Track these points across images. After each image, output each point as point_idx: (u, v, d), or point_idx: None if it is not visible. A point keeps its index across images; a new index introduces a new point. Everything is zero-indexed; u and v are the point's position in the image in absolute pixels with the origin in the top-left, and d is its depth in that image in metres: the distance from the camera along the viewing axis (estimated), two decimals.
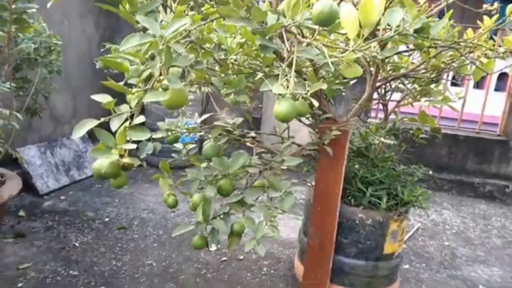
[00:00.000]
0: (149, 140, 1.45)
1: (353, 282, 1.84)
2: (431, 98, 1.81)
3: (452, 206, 3.57)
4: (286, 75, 0.98)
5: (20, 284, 1.90)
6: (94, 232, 2.49)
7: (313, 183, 1.81)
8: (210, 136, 1.52)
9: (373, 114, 4.05)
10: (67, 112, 3.54)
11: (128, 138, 0.92)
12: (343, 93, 1.98)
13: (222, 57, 1.36)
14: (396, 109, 2.02)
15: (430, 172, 2.00)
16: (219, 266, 2.23)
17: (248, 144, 1.60)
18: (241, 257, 2.34)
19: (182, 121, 1.63)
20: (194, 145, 1.61)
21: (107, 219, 2.69)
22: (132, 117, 0.93)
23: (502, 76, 5.59)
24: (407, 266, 2.44)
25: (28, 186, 2.88)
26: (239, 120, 1.60)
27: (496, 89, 5.70)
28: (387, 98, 2.03)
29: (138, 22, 1.03)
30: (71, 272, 2.05)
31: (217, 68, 1.44)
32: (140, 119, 0.93)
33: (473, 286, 2.29)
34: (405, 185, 1.81)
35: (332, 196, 1.70)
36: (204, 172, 1.39)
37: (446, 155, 3.96)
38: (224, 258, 2.31)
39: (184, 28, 0.93)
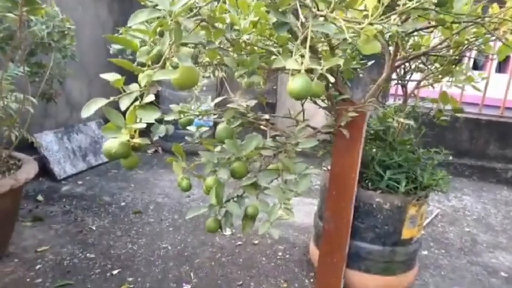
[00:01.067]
0: (161, 122, 1.44)
1: (369, 267, 1.81)
2: (453, 78, 1.74)
3: (473, 192, 3.48)
4: (300, 51, 0.93)
5: (38, 266, 1.93)
6: (110, 216, 2.51)
7: (329, 167, 1.77)
8: (223, 119, 1.50)
9: (391, 100, 3.95)
10: (82, 97, 3.56)
11: (138, 118, 0.90)
12: (360, 75, 1.93)
13: (235, 37, 1.31)
14: (416, 91, 1.95)
15: (450, 158, 1.93)
16: (234, 250, 2.22)
17: (262, 127, 1.57)
18: (256, 241, 2.33)
19: (195, 104, 1.60)
20: (207, 129, 1.59)
21: (123, 204, 2.71)
22: (142, 96, 0.90)
23: None
24: (426, 252, 2.39)
25: (45, 171, 2.93)
26: (253, 102, 1.56)
27: None
28: (407, 78, 1.96)
29: (150, 2, 1.00)
30: (88, 255, 2.07)
31: (230, 49, 1.40)
32: (150, 98, 0.90)
33: (494, 273, 2.23)
34: (425, 169, 1.75)
35: (348, 180, 1.66)
36: (218, 155, 1.37)
37: (467, 140, 3.85)
38: (239, 243, 2.30)
39: (193, 2, 0.90)
